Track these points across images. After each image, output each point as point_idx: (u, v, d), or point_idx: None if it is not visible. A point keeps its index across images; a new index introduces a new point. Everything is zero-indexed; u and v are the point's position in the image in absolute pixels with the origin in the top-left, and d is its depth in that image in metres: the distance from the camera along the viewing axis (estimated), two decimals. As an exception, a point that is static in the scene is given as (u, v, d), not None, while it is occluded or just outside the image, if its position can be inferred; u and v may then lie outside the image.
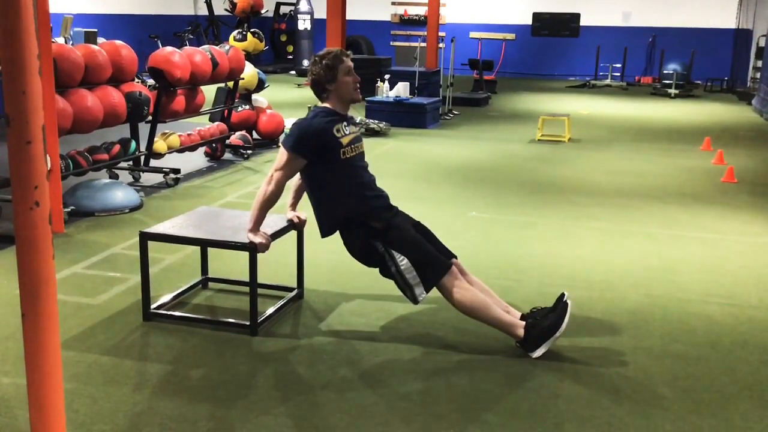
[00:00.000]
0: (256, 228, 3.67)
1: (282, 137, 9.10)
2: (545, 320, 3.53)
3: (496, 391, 3.23)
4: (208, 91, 8.20)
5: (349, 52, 3.79)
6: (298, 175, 3.84)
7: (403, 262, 3.55)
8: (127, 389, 3.16)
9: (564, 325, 3.50)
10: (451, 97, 12.42)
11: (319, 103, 3.79)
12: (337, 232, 3.77)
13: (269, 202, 3.63)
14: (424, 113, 10.71)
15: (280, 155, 3.62)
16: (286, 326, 3.88)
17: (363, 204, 3.69)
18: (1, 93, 4.61)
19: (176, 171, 6.96)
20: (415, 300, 3.57)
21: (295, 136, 3.62)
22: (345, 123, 3.73)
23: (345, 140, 3.67)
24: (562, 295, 3.65)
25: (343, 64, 3.68)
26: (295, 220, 4.03)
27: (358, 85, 3.75)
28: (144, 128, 7.01)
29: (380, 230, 3.61)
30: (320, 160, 3.65)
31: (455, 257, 3.77)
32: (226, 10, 9.57)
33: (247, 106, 8.66)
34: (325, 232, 3.79)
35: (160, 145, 7.13)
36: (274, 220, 3.97)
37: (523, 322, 3.56)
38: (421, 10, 19.58)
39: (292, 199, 4.07)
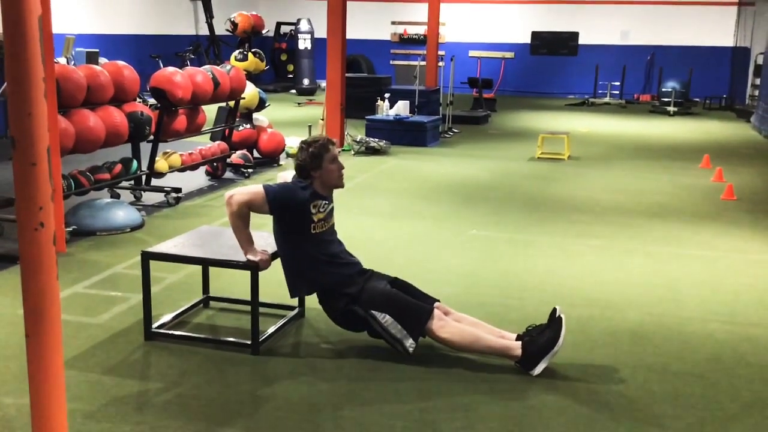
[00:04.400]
0: (249, 248, 3.70)
1: (283, 156, 9.14)
2: (542, 337, 3.55)
3: (496, 409, 3.24)
4: (209, 111, 8.25)
5: (334, 141, 3.87)
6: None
7: (385, 318, 3.61)
8: (129, 408, 3.17)
9: (561, 340, 3.52)
10: (450, 115, 12.48)
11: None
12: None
13: (241, 220, 3.66)
14: (424, 131, 10.76)
15: (254, 188, 3.66)
16: (288, 345, 3.89)
17: (335, 274, 3.76)
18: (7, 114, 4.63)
19: (177, 190, 6.98)
20: (407, 352, 3.62)
21: (281, 192, 3.69)
22: (325, 202, 3.79)
23: (317, 217, 3.73)
24: (554, 310, 3.68)
25: (329, 153, 3.75)
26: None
27: (341, 172, 3.81)
28: (145, 148, 7.04)
29: (356, 295, 3.68)
30: (290, 225, 3.72)
31: (438, 301, 3.81)
32: (227, 30, 9.63)
33: (248, 125, 8.70)
34: (292, 293, 3.88)
35: (161, 164, 7.16)
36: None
37: (519, 343, 3.58)
38: (421, 30, 19.70)
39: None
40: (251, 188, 3.67)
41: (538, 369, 3.52)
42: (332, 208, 3.88)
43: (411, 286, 3.87)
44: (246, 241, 3.71)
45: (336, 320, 3.83)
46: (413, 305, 3.65)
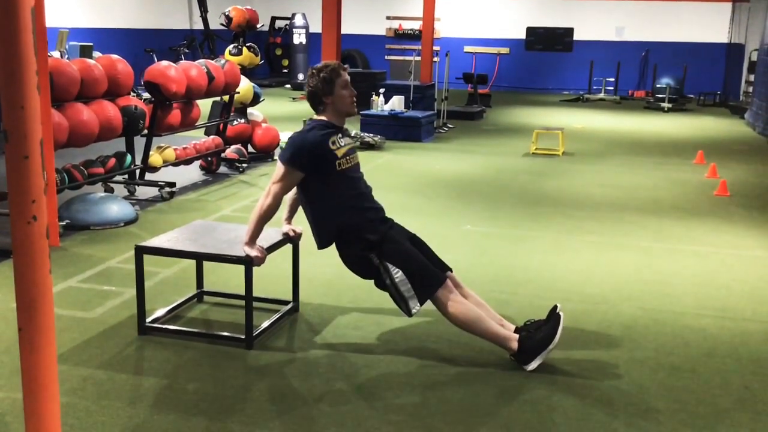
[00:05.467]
0: (252, 241, 3.69)
1: (278, 151, 9.12)
2: (539, 333, 3.55)
3: (490, 404, 3.24)
4: (204, 105, 8.23)
5: (346, 66, 3.82)
6: (294, 189, 3.87)
7: (398, 274, 3.57)
8: (123, 403, 3.16)
9: (557, 337, 3.52)
10: (445, 110, 12.48)
11: (315, 116, 3.82)
12: (333, 244, 3.79)
13: (266, 215, 3.65)
14: (419, 127, 10.76)
15: (277, 169, 3.65)
16: (282, 339, 3.89)
17: (358, 216, 3.71)
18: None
19: (171, 184, 6.97)
20: (409, 312, 3.59)
21: (292, 149, 3.65)
22: (340, 135, 3.76)
23: (340, 152, 3.70)
24: (555, 307, 3.68)
25: (340, 77, 3.72)
26: (291, 233, 4.04)
27: (354, 98, 3.78)
28: (139, 142, 7.02)
29: (375, 243, 3.63)
30: (316, 172, 3.67)
31: (450, 270, 3.79)
32: (222, 24, 9.60)
33: (243, 120, 8.68)
34: (322, 244, 3.81)
35: (155, 158, 7.15)
36: (270, 234, 3.98)
37: (517, 335, 3.58)
38: (416, 25, 19.68)
39: (288, 212, 4.09)
40: (276, 173, 3.64)
41: (533, 365, 3.52)
42: (353, 144, 3.85)
43: (428, 248, 3.82)
44: (255, 235, 3.69)
45: (348, 264, 3.77)
46: (428, 270, 3.61)
